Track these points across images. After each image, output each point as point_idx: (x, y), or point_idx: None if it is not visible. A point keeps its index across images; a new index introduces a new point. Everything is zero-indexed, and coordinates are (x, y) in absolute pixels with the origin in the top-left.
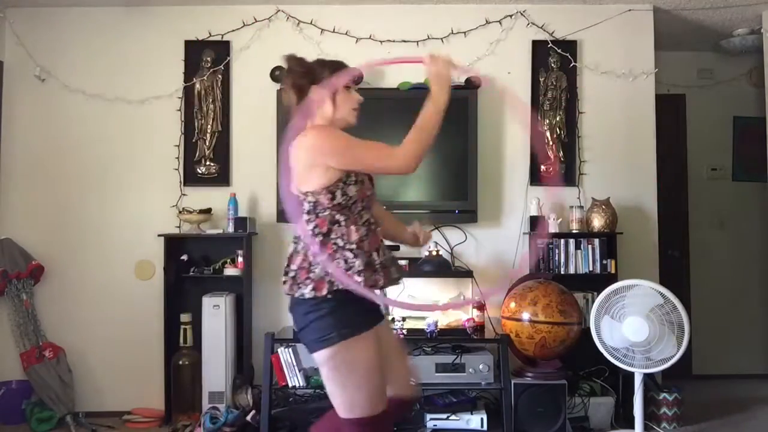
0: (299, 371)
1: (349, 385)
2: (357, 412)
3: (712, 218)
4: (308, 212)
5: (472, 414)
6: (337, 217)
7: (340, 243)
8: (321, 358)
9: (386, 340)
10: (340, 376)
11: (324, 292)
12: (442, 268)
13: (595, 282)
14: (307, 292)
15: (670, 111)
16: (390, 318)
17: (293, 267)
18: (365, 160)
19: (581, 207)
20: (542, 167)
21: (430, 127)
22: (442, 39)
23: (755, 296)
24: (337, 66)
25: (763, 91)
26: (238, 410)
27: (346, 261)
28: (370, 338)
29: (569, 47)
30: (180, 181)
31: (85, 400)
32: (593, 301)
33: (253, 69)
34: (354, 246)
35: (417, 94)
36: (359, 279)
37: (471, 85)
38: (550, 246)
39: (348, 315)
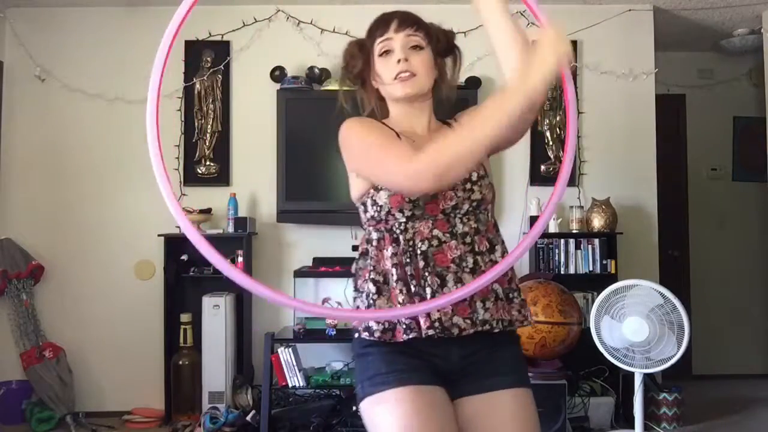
0: (299, 371)
1: None
2: None
3: (712, 218)
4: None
5: None
6: (372, 234)
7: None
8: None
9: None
10: None
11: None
12: None
13: (595, 282)
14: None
15: (670, 111)
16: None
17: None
18: (367, 166)
19: (581, 207)
20: (542, 167)
21: (482, 129)
22: None
23: (755, 296)
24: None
25: (763, 91)
26: (238, 410)
27: (367, 296)
28: (397, 400)
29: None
30: (180, 181)
31: (85, 400)
32: (593, 301)
33: (253, 69)
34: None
35: None
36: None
37: (471, 85)
38: (550, 246)
39: (370, 365)
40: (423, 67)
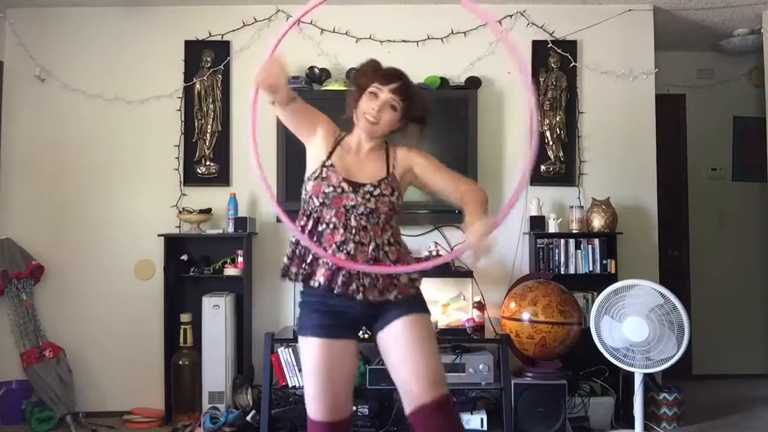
0: (299, 371)
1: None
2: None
3: (712, 218)
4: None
5: (472, 414)
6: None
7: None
8: None
9: (388, 349)
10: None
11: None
12: (442, 267)
13: (595, 282)
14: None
15: (670, 111)
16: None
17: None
18: None
19: (581, 207)
20: (542, 167)
21: None
22: (442, 39)
23: (755, 296)
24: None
25: (763, 91)
26: (238, 410)
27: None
28: (311, 344)
29: (569, 47)
30: (180, 181)
31: (85, 400)
32: (593, 301)
33: (253, 69)
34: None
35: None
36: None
37: (471, 85)
38: (550, 246)
39: (303, 314)
40: (385, 123)
